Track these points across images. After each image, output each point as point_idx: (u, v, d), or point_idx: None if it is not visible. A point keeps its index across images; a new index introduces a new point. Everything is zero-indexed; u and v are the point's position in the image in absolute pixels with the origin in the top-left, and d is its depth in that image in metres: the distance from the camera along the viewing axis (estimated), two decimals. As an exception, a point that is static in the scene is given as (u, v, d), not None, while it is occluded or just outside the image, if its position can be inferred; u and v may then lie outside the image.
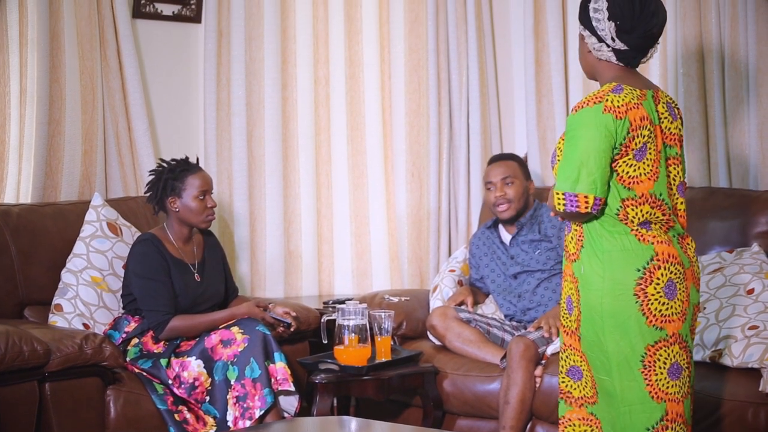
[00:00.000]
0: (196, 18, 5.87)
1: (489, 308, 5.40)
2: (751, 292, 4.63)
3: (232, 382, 4.57)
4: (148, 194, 4.97)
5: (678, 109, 3.64)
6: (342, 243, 6.26)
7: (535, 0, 6.02)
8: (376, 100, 6.23)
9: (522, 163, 5.35)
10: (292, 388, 4.65)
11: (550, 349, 4.84)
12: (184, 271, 4.88)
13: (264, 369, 4.58)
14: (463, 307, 5.29)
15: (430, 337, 5.32)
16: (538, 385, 4.76)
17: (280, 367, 4.64)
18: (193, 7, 5.84)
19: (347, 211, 6.25)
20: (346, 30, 6.18)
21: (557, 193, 3.47)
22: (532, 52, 6.04)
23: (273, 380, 4.62)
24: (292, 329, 4.94)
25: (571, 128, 3.49)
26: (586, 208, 3.44)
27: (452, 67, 6.19)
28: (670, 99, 3.63)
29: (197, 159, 5.05)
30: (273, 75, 5.96)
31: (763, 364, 4.29)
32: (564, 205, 3.46)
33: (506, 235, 5.36)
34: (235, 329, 4.67)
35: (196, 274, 4.93)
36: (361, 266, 6.26)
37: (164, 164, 4.95)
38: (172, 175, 4.90)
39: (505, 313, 5.32)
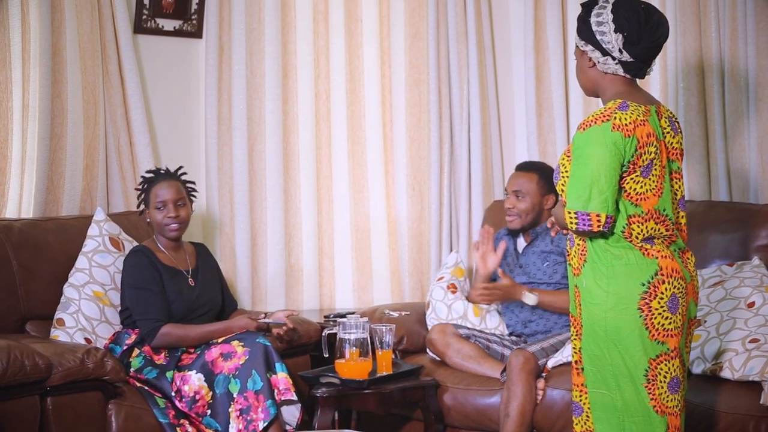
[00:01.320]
0: (197, 33, 5.88)
1: (492, 323, 5.39)
2: (751, 305, 4.63)
3: (234, 395, 4.57)
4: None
5: (678, 123, 3.65)
6: (343, 257, 6.26)
7: (535, 14, 6.03)
8: (376, 115, 6.24)
9: (544, 175, 5.27)
10: (295, 398, 4.66)
11: (551, 363, 4.84)
12: (177, 277, 4.92)
13: (266, 380, 4.58)
14: (464, 321, 5.30)
15: (430, 353, 5.32)
16: (540, 398, 4.76)
17: (282, 377, 4.65)
18: (194, 22, 5.85)
19: (348, 225, 6.26)
20: (347, 45, 6.19)
21: (569, 213, 3.47)
22: (533, 66, 6.05)
23: (276, 391, 4.62)
24: (285, 328, 4.91)
25: (578, 147, 3.48)
26: (599, 226, 3.44)
27: (453, 81, 6.20)
28: (671, 113, 3.64)
29: (166, 169, 5.08)
30: (274, 89, 5.97)
31: (764, 377, 4.29)
32: (576, 224, 3.46)
33: (521, 243, 5.36)
34: (235, 342, 4.68)
35: (190, 279, 4.96)
36: (362, 280, 6.26)
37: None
38: (143, 187, 5.02)
39: (507, 323, 5.32)
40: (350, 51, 6.21)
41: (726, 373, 4.46)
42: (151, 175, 5.04)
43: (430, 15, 6.13)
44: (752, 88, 5.18)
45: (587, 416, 3.68)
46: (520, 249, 5.35)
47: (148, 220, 5.00)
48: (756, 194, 5.20)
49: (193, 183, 5.12)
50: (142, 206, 5.03)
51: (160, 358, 4.75)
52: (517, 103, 6.31)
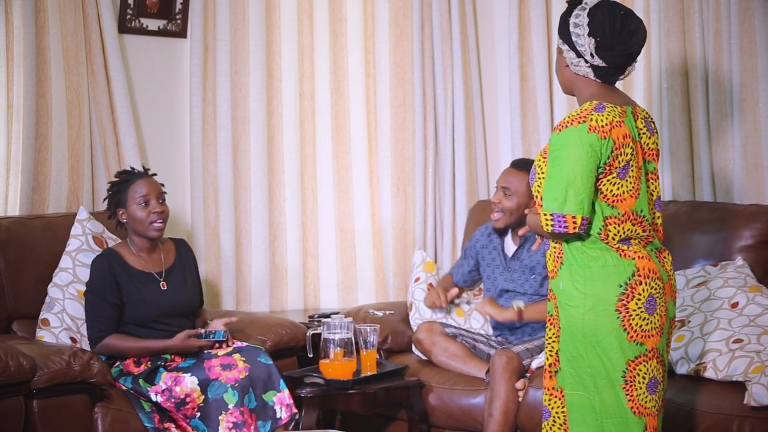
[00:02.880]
0: (181, 33, 5.87)
1: (477, 323, 5.39)
2: (735, 305, 4.65)
3: (230, 406, 4.55)
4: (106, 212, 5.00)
5: (654, 123, 3.66)
6: (327, 257, 6.26)
7: (519, 14, 6.03)
8: (361, 115, 6.24)
9: None
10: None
11: (535, 363, 4.84)
12: (148, 281, 4.86)
13: (260, 401, 4.61)
14: (447, 320, 5.30)
15: (416, 351, 5.32)
16: (521, 399, 4.76)
17: (287, 394, 4.69)
18: (179, 22, 5.84)
19: (332, 225, 6.26)
20: (331, 44, 6.19)
21: (545, 214, 3.46)
22: (517, 66, 6.05)
23: (284, 408, 4.65)
24: (226, 339, 4.84)
25: (555, 148, 3.48)
26: (575, 228, 3.44)
27: (437, 81, 6.20)
28: (647, 114, 3.65)
29: (143, 168, 5.04)
30: (258, 89, 5.97)
31: (748, 378, 4.30)
32: (552, 225, 3.45)
33: (510, 246, 5.26)
34: (236, 356, 4.69)
35: (162, 283, 4.90)
36: (347, 280, 6.26)
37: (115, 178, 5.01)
38: (117, 187, 4.92)
39: (494, 326, 5.32)
40: (335, 51, 6.20)
41: (710, 374, 4.47)
42: (121, 176, 4.94)
43: (414, 15, 6.14)
44: (736, 88, 5.19)
45: (554, 421, 3.69)
46: (508, 251, 5.25)
47: (124, 220, 4.88)
48: (740, 194, 5.21)
49: (162, 185, 5.05)
50: (113, 208, 4.91)
51: (139, 369, 4.72)
52: (501, 103, 6.32)
